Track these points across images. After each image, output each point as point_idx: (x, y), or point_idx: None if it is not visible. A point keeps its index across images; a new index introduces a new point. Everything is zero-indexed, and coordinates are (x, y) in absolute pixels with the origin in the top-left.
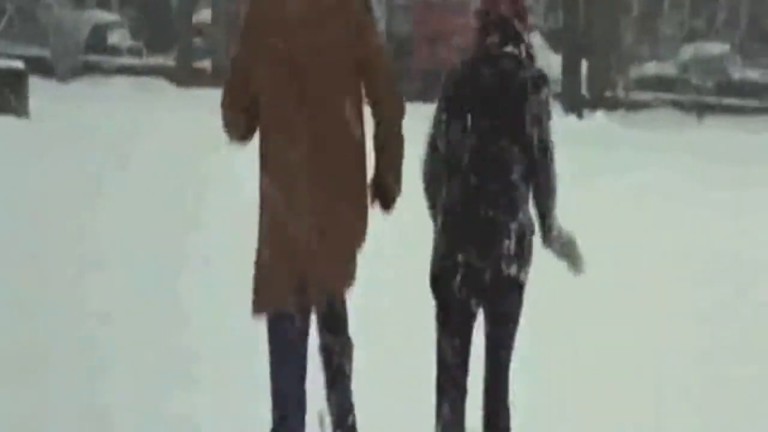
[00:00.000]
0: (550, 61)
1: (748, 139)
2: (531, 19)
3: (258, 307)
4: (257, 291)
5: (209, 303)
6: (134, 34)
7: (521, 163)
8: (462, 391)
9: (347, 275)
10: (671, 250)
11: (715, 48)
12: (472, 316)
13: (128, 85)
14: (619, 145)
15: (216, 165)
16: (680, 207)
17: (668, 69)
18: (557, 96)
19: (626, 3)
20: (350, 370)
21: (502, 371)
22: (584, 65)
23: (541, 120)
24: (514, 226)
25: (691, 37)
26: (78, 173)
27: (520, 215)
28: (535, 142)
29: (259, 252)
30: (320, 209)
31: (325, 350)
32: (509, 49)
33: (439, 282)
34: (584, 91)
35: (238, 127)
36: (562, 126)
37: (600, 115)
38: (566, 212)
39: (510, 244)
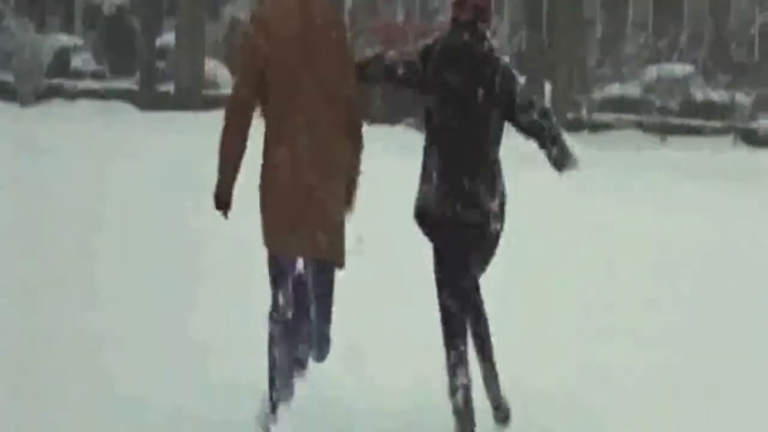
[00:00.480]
0: None
1: (710, 158)
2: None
3: (266, 244)
4: (265, 234)
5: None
6: (98, 58)
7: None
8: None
9: (334, 240)
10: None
11: (679, 69)
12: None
13: (91, 109)
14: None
15: (182, 184)
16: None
17: (632, 90)
18: None
19: (589, 24)
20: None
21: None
22: (547, 87)
23: (516, 87)
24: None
25: (655, 58)
26: (37, 197)
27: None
28: (519, 101)
29: (265, 206)
30: (316, 184)
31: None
32: (476, 43)
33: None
34: None
35: (235, 150)
36: (523, 148)
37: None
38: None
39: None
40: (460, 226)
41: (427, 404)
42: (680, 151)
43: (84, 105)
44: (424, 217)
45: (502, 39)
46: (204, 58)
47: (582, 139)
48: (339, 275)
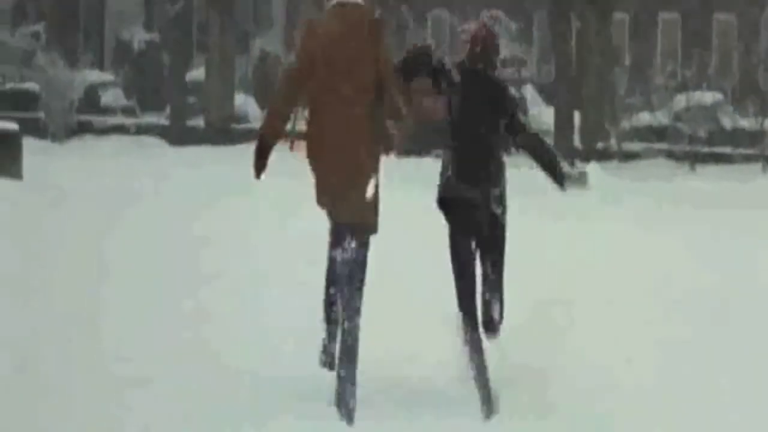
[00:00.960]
0: (542, 114)
1: (740, 186)
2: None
3: (317, 203)
4: (316, 195)
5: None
6: (128, 94)
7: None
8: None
9: (361, 200)
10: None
11: (708, 97)
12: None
13: (122, 144)
14: (612, 195)
15: (209, 222)
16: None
17: (661, 119)
18: None
19: (618, 54)
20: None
21: (498, 275)
22: (577, 117)
23: (514, 107)
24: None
25: (684, 86)
26: (72, 234)
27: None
28: (516, 120)
29: (313, 173)
30: (347, 153)
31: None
32: (488, 70)
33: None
34: (577, 142)
35: (278, 126)
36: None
37: (593, 166)
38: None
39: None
40: (465, 202)
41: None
42: (709, 180)
43: (114, 140)
44: (442, 201)
45: (531, 69)
46: (234, 92)
47: (611, 169)
48: None
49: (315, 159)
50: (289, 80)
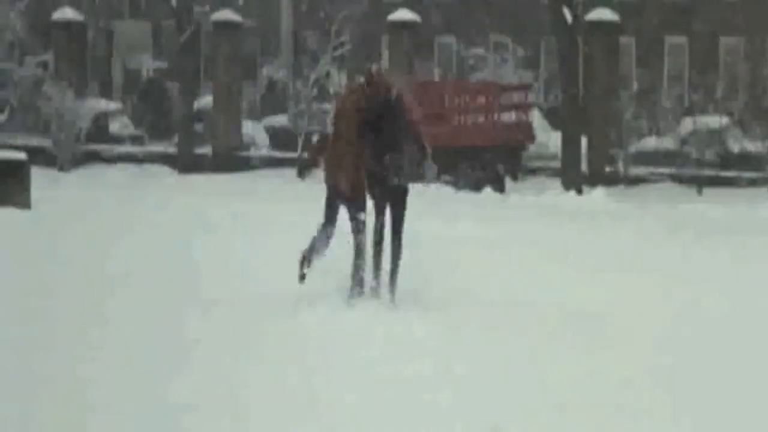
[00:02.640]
0: (549, 138)
1: (747, 211)
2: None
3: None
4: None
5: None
6: (136, 122)
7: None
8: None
9: (345, 186)
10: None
11: (715, 121)
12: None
13: (129, 173)
14: (617, 221)
15: (212, 248)
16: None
17: (668, 143)
18: (557, 173)
19: (625, 78)
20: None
21: (400, 234)
22: (583, 141)
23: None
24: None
25: (691, 110)
26: (79, 263)
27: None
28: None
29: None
30: (337, 166)
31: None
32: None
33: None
34: (584, 167)
35: (316, 160)
36: (561, 203)
37: (600, 191)
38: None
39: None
40: (378, 179)
41: None
42: (716, 204)
43: (122, 169)
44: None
45: (538, 94)
46: (241, 120)
47: (618, 193)
48: None
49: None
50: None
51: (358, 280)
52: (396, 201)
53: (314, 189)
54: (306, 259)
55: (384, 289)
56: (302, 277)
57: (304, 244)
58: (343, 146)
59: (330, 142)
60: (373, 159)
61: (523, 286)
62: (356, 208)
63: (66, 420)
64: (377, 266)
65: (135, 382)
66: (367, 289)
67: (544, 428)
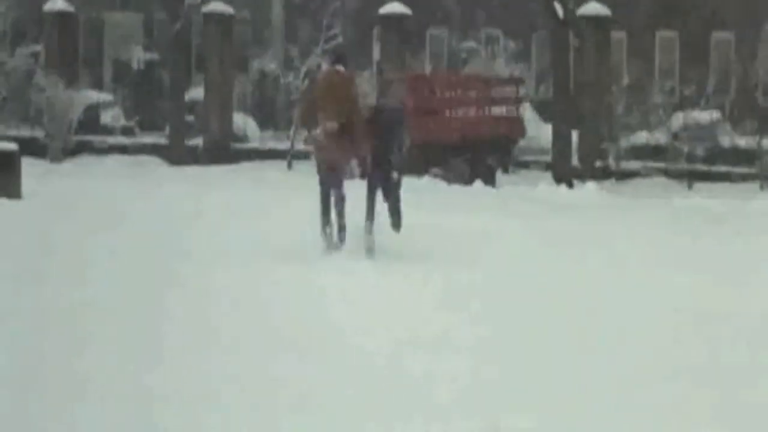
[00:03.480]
0: (540, 132)
1: (738, 204)
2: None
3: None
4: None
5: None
6: (127, 114)
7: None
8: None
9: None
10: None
11: (706, 116)
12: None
13: (121, 164)
14: (607, 214)
15: (205, 239)
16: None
17: (659, 137)
18: (548, 166)
19: (616, 72)
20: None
21: (391, 199)
22: (574, 135)
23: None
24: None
25: (682, 105)
26: (71, 253)
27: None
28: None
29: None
30: (330, 140)
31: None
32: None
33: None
34: (575, 161)
35: (305, 121)
36: (551, 196)
37: (590, 184)
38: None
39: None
40: (377, 165)
41: None
42: (708, 199)
43: (113, 160)
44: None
45: (529, 88)
46: (232, 111)
47: (609, 187)
48: None
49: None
50: (304, 112)
51: (329, 236)
52: (386, 183)
53: (303, 179)
54: (323, 226)
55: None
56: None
57: (290, 226)
58: (340, 126)
59: (317, 116)
60: (374, 146)
61: (514, 274)
62: (338, 181)
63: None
64: (369, 229)
65: (126, 373)
66: (339, 243)
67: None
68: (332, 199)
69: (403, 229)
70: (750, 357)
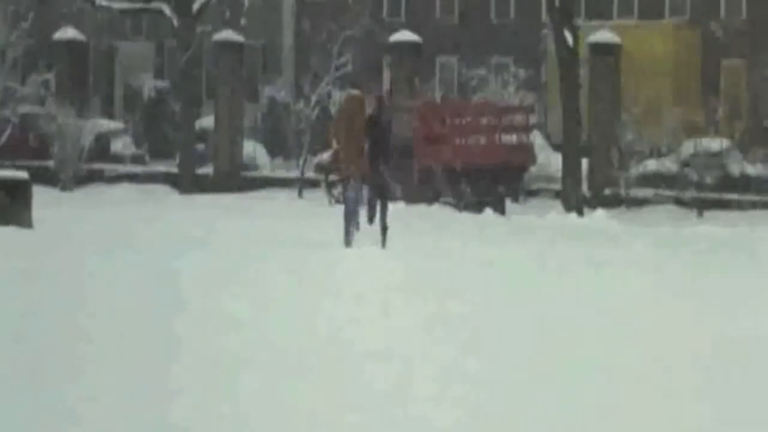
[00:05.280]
0: (550, 160)
1: (747, 232)
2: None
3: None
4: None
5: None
6: (137, 142)
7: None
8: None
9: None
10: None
11: (716, 144)
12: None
13: (131, 193)
14: (617, 242)
15: (207, 262)
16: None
17: (669, 165)
18: (558, 194)
19: (627, 100)
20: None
21: (384, 203)
22: (585, 163)
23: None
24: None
25: (692, 133)
26: (81, 283)
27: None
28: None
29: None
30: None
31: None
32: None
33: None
34: (585, 189)
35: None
36: (562, 224)
37: (600, 212)
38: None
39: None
40: (371, 176)
41: None
42: (717, 227)
43: (124, 189)
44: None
45: (539, 116)
46: (242, 140)
47: (619, 215)
48: None
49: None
50: (338, 131)
51: (347, 231)
52: (380, 189)
53: (313, 208)
54: (346, 230)
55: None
56: (348, 243)
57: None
58: (355, 140)
59: (345, 136)
60: (370, 153)
61: (522, 305)
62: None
63: None
64: (371, 220)
65: (136, 404)
66: (355, 236)
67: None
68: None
69: (409, 254)
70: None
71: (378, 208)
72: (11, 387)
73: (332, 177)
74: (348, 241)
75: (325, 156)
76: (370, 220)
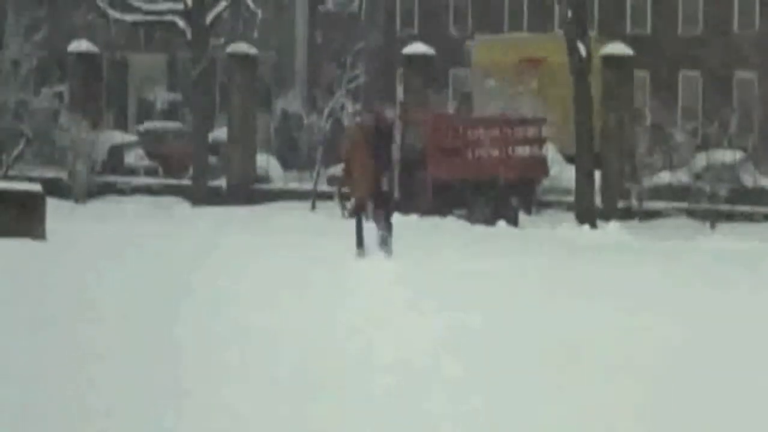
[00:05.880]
0: (563, 172)
1: (760, 246)
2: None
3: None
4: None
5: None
6: (151, 154)
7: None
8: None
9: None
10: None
11: (728, 156)
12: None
13: (144, 205)
14: (630, 255)
15: (224, 287)
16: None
17: (681, 177)
18: (571, 207)
19: (639, 112)
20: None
21: (389, 217)
22: (597, 176)
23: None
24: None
25: (704, 144)
26: (95, 295)
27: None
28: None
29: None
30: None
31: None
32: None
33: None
34: (597, 201)
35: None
36: (574, 237)
37: (613, 225)
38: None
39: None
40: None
41: None
42: (731, 240)
43: (137, 201)
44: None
45: (551, 128)
46: (255, 152)
47: (632, 228)
48: None
49: (353, 177)
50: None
51: (359, 243)
52: (386, 201)
53: (325, 220)
54: (358, 244)
55: (384, 247)
56: (360, 253)
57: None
58: (360, 164)
59: (351, 164)
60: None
61: (533, 320)
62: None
63: None
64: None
65: (145, 413)
66: (369, 248)
67: None
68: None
69: (420, 267)
70: None
71: (383, 215)
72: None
73: (345, 189)
74: (360, 252)
75: (339, 169)
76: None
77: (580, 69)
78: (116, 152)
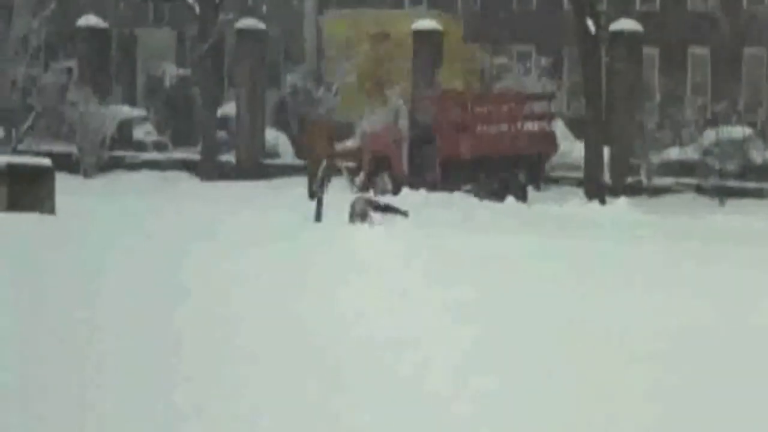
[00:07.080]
0: (572, 148)
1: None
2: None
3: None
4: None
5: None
6: (159, 129)
7: None
8: None
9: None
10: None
11: (737, 132)
12: None
13: (153, 180)
14: (640, 231)
15: (230, 262)
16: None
17: (690, 153)
18: (580, 182)
19: (648, 88)
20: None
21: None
22: (606, 152)
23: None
24: None
25: (713, 121)
26: (106, 269)
27: None
28: None
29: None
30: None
31: None
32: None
33: None
34: (606, 177)
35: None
36: (583, 213)
37: (622, 201)
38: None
39: None
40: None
41: None
42: (738, 215)
43: (146, 176)
44: None
45: (561, 104)
46: (264, 127)
47: (641, 204)
48: None
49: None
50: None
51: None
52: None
53: (333, 194)
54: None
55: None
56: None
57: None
58: None
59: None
60: None
61: (543, 299)
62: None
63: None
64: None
65: (142, 390)
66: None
67: None
68: None
69: (429, 240)
70: None
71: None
72: (29, 379)
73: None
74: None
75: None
76: None
77: (590, 46)
78: (125, 127)
